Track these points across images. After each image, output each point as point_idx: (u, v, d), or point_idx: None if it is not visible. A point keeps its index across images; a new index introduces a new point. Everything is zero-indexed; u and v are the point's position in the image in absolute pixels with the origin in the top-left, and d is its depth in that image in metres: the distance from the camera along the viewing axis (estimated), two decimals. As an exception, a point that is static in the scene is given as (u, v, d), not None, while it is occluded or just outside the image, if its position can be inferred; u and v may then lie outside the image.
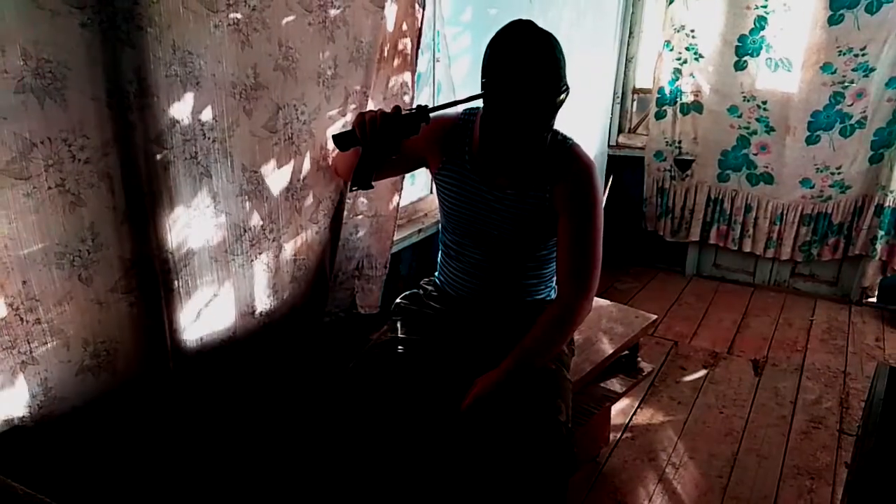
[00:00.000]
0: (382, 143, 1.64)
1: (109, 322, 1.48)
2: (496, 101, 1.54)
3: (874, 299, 3.85)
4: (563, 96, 1.56)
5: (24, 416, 1.36)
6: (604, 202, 1.86)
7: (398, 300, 1.96)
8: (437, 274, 1.99)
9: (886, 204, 3.58)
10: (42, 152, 1.24)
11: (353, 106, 1.97)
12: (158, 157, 1.46)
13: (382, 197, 2.24)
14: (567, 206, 1.69)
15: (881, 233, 3.62)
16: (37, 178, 1.25)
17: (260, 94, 1.66)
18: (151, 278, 1.53)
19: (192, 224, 1.58)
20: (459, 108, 1.80)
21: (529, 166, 1.68)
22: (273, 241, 1.84)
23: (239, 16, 1.54)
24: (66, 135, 1.28)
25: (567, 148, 1.70)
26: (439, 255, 1.97)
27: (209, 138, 1.56)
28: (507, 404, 1.58)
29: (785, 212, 3.85)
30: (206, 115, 1.54)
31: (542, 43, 1.51)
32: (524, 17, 1.56)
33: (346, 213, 2.12)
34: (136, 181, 1.44)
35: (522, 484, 1.52)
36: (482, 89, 1.55)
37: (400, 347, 1.75)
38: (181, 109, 1.48)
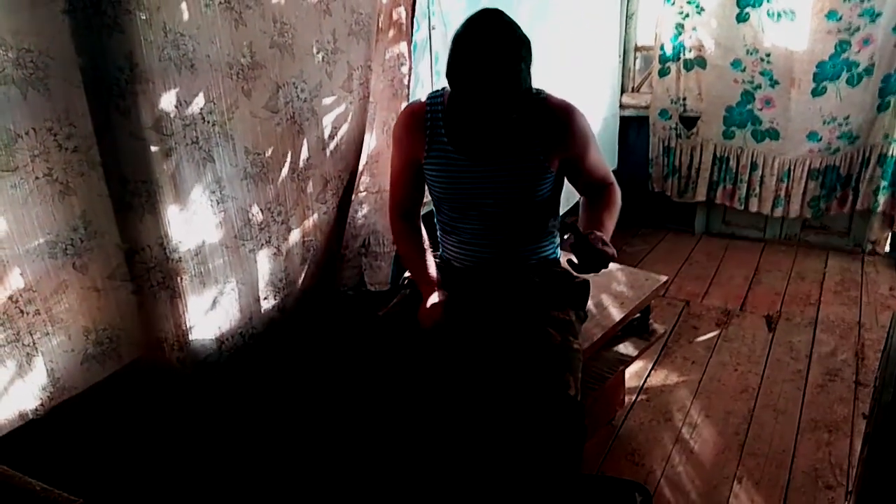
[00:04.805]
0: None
1: (110, 309, 1.47)
2: (456, 93, 1.54)
3: (886, 249, 3.79)
4: (521, 90, 1.54)
5: (36, 408, 1.36)
6: None
7: (406, 274, 1.95)
8: (440, 251, 1.99)
9: (890, 153, 3.50)
10: (27, 143, 1.23)
11: (358, 82, 1.92)
12: (158, 143, 1.44)
13: (385, 172, 2.21)
14: (559, 146, 1.72)
15: (884, 183, 3.54)
16: (23, 168, 1.24)
17: (258, 74, 1.63)
18: (156, 266, 1.51)
19: (198, 211, 1.56)
20: (424, 95, 1.80)
21: (503, 138, 1.67)
22: (282, 223, 1.82)
23: (230, -7, 1.51)
24: (50, 124, 1.26)
25: (541, 101, 1.71)
26: (437, 233, 1.98)
27: (209, 122, 1.54)
28: (515, 382, 1.57)
29: (792, 167, 3.76)
30: (204, 98, 1.51)
31: (500, 46, 1.47)
32: None
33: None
34: (132, 169, 1.42)
35: (536, 461, 1.51)
36: (446, 75, 1.54)
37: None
38: (178, 94, 1.45)
